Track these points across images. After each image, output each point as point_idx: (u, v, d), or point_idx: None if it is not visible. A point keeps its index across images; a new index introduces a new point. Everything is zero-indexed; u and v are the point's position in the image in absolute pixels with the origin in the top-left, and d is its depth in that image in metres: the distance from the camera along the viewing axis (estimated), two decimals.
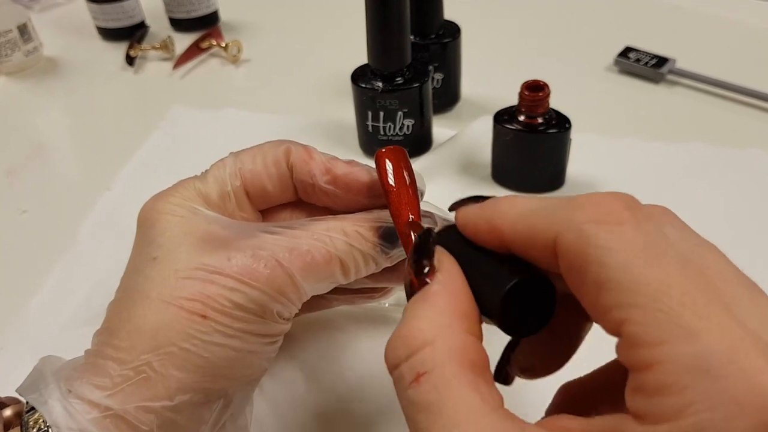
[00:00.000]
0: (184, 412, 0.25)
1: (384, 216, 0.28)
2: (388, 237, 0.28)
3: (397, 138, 0.50)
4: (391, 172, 0.27)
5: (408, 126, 0.49)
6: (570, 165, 0.47)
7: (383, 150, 0.28)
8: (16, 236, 0.48)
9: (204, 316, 0.24)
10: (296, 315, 0.31)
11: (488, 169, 0.49)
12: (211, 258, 0.25)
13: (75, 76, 0.70)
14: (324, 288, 0.28)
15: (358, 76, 0.49)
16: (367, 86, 0.48)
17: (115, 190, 0.51)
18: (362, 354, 0.36)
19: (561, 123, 0.44)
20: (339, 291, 0.32)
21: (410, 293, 0.21)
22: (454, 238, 0.22)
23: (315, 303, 0.33)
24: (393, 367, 0.20)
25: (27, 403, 0.25)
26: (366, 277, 0.29)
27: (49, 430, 0.23)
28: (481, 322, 0.20)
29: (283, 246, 0.26)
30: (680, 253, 0.17)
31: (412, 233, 0.26)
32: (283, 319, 0.27)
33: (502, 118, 0.45)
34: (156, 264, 0.26)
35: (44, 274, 0.43)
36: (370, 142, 0.51)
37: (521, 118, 0.44)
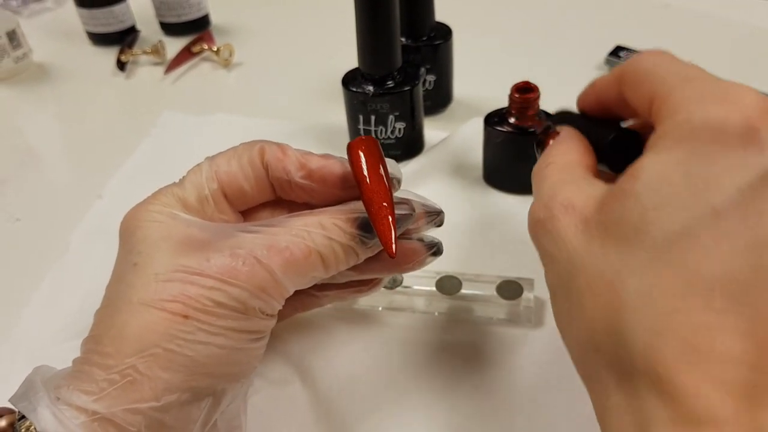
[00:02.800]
0: (171, 412, 0.25)
1: (361, 207, 0.28)
2: (365, 227, 0.28)
3: (388, 141, 0.50)
4: (364, 162, 0.27)
5: (399, 129, 0.49)
6: None
7: (354, 141, 0.28)
8: (9, 245, 0.48)
9: (186, 316, 0.25)
10: (288, 314, 0.31)
11: (479, 171, 0.49)
12: (190, 260, 0.26)
13: (65, 81, 0.70)
14: (306, 283, 0.28)
15: (349, 80, 0.49)
16: (358, 90, 0.48)
17: (107, 198, 0.51)
18: (357, 355, 0.36)
19: None
20: (327, 287, 0.33)
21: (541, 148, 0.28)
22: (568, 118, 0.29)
23: (306, 301, 0.33)
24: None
25: (19, 411, 0.25)
26: (350, 269, 0.29)
27: None
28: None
29: (261, 243, 0.26)
30: None
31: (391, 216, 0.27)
32: (266, 315, 0.27)
33: (493, 120, 0.45)
34: (137, 270, 0.26)
35: (37, 283, 0.43)
36: None
37: (511, 120, 0.44)
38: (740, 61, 0.64)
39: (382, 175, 0.27)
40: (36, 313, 0.41)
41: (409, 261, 0.31)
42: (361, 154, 0.28)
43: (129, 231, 0.28)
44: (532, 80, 0.44)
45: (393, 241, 0.26)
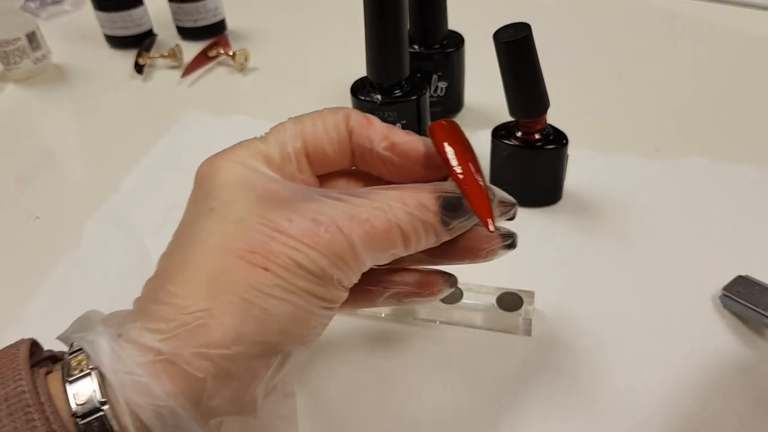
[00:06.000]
0: (240, 363, 0.24)
1: (445, 186, 0.27)
2: (449, 206, 0.27)
3: None
4: (450, 144, 0.27)
5: None
6: (567, 180, 0.47)
7: (437, 128, 0.28)
8: (28, 243, 0.48)
9: (266, 269, 0.24)
10: (343, 307, 0.29)
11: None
12: (272, 214, 0.25)
13: (84, 83, 0.71)
14: (384, 259, 0.27)
15: (358, 89, 0.49)
16: (366, 99, 0.48)
17: (123, 192, 0.51)
18: (358, 363, 0.36)
19: (558, 139, 0.44)
20: (387, 280, 0.31)
21: None
22: None
23: (361, 297, 0.32)
24: None
25: (72, 345, 0.24)
26: (424, 253, 0.29)
27: (91, 373, 0.23)
28: None
29: (343, 212, 0.25)
30: None
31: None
32: (342, 286, 0.26)
33: (500, 133, 0.45)
34: (213, 214, 0.26)
35: (50, 278, 0.43)
36: None
37: (519, 133, 0.44)
38: (748, 72, 0.63)
39: (473, 153, 0.27)
40: (47, 306, 0.41)
41: (483, 247, 0.30)
42: (446, 132, 0.27)
43: (206, 176, 0.27)
44: None
45: (491, 214, 0.26)
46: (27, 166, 0.57)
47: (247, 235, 0.24)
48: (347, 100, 0.50)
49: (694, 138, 0.55)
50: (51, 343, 0.38)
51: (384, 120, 0.47)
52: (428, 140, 0.28)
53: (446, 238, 0.28)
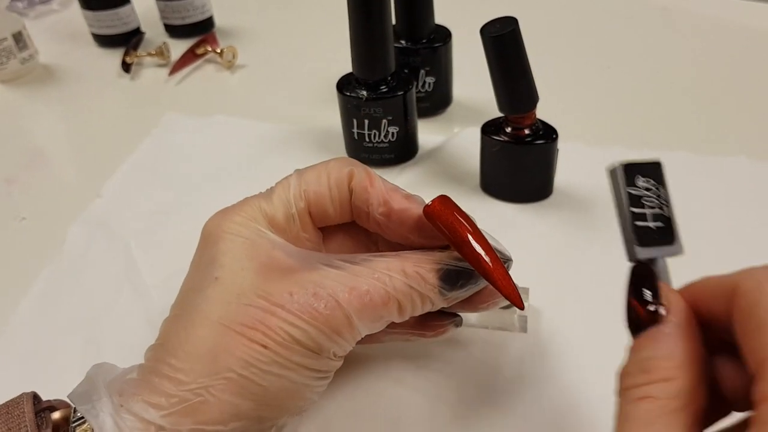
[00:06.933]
0: None
1: (444, 257, 0.28)
2: (448, 279, 0.27)
3: (382, 145, 0.49)
4: (463, 225, 0.27)
5: (393, 133, 0.48)
6: (558, 175, 0.46)
7: (433, 213, 0.27)
8: (14, 243, 0.48)
9: (264, 346, 0.25)
10: None
11: (477, 179, 0.48)
12: (273, 287, 0.26)
13: (71, 83, 0.70)
14: (378, 327, 0.28)
15: (344, 85, 0.48)
16: (352, 95, 0.47)
17: (106, 197, 0.51)
18: (353, 362, 0.36)
19: (548, 134, 0.43)
20: (392, 326, 0.32)
21: (636, 325, 0.22)
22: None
23: (367, 338, 0.32)
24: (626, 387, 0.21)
25: (75, 410, 0.25)
26: None
27: None
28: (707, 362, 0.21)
29: (344, 284, 0.26)
30: None
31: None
32: (337, 357, 0.27)
33: (489, 129, 0.45)
34: (217, 284, 0.26)
35: (35, 280, 0.43)
36: (356, 149, 0.50)
37: (508, 129, 0.43)
38: (738, 65, 0.63)
39: (475, 225, 0.27)
40: (32, 308, 0.41)
41: (484, 302, 0.30)
42: (444, 216, 0.27)
43: (211, 240, 0.28)
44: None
45: (520, 298, 0.27)
46: (15, 167, 0.56)
47: (246, 310, 0.25)
48: (334, 96, 0.49)
49: (683, 131, 0.54)
50: (38, 343, 0.38)
51: (370, 116, 0.47)
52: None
53: (444, 305, 0.29)
